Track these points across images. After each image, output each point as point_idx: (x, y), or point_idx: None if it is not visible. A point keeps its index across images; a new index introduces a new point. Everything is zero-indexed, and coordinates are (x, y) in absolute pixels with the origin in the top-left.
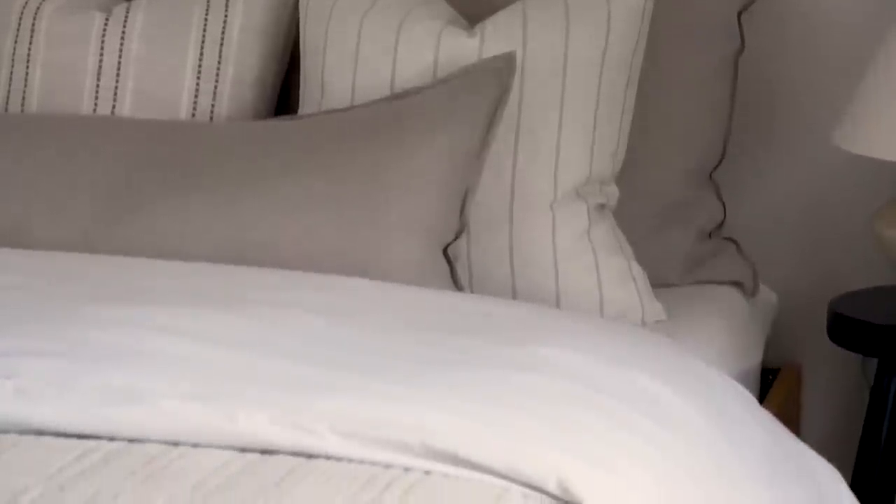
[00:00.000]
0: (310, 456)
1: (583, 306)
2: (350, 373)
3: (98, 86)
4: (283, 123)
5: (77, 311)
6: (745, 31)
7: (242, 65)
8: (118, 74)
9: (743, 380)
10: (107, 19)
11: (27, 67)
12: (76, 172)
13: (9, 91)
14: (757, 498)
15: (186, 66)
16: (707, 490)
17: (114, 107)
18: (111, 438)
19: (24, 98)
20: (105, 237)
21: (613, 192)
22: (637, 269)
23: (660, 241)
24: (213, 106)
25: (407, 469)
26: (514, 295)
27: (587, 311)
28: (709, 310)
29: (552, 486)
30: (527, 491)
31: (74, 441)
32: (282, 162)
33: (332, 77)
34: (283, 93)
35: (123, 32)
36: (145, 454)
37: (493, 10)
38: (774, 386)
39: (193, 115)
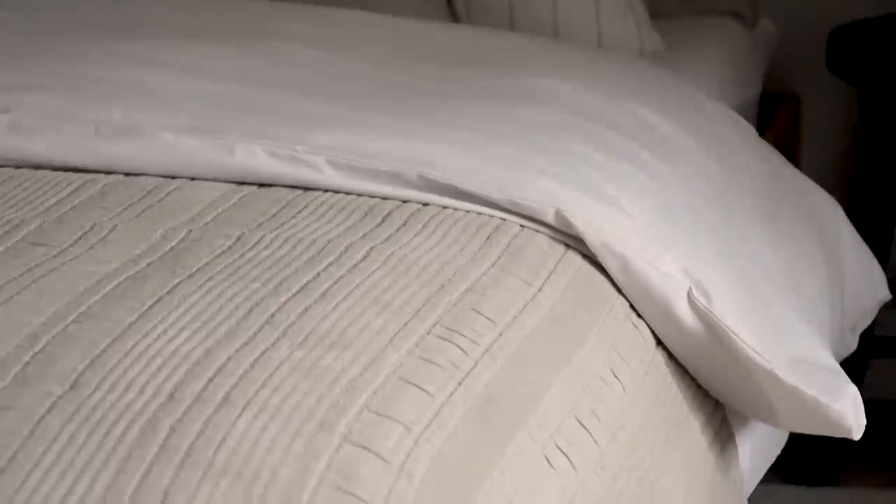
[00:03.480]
0: (307, 188)
1: (581, 37)
2: (347, 106)
3: None
4: None
5: (73, 45)
6: None
7: None
8: None
9: (742, 111)
10: None
11: None
12: None
13: None
14: (756, 231)
15: None
16: (705, 222)
17: None
18: (108, 172)
19: None
20: None
21: None
22: (635, 0)
23: None
24: None
25: (405, 201)
26: (512, 27)
27: (585, 43)
28: (708, 41)
29: (550, 217)
30: (525, 222)
31: (71, 175)
32: None
33: None
34: None
35: None
36: (142, 187)
37: None
38: (774, 117)
39: None
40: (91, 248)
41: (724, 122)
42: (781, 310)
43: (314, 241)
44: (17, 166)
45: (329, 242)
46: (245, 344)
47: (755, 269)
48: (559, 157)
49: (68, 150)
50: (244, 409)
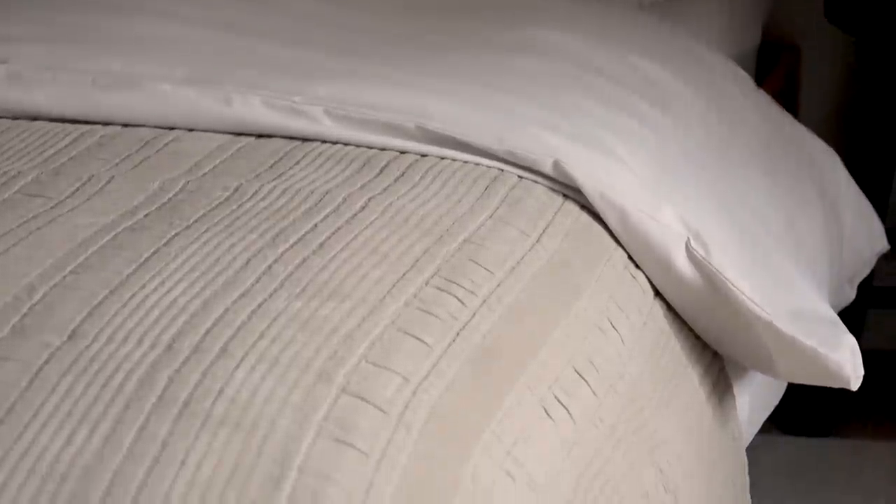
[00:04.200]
0: (304, 139)
1: None
2: (346, 57)
3: None
4: None
5: None
6: None
7: None
8: None
9: (741, 62)
10: None
11: None
12: None
13: None
14: (755, 182)
15: None
16: (704, 174)
17: None
18: (105, 123)
19: None
20: None
21: None
22: None
23: None
24: None
25: (403, 152)
26: None
27: None
28: None
29: (548, 168)
30: (523, 172)
31: (69, 126)
32: None
33: None
34: None
35: None
36: (140, 138)
37: None
38: (773, 68)
39: None
40: (88, 199)
41: (723, 73)
42: (780, 261)
43: (312, 191)
44: (15, 117)
45: (327, 193)
46: (243, 295)
47: (754, 221)
48: (558, 108)
49: (66, 101)
50: (242, 359)
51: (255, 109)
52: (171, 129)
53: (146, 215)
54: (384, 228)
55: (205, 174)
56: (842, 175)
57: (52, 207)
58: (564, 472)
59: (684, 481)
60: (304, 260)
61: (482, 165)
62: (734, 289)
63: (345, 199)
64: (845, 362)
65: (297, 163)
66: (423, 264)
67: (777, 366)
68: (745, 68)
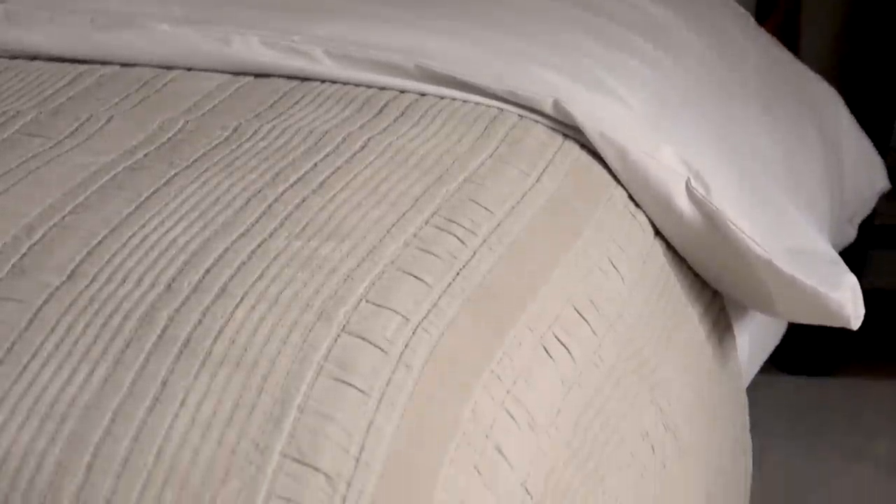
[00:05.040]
0: (304, 79)
1: None
2: None
3: None
4: None
5: None
6: None
7: None
8: None
9: (741, 0)
10: None
11: None
12: None
13: None
14: (755, 121)
15: None
16: (705, 113)
17: None
18: (104, 63)
19: None
20: None
21: None
22: None
23: None
24: None
25: (402, 91)
26: None
27: None
28: None
29: (548, 107)
30: (523, 112)
31: (67, 65)
32: None
33: None
34: None
35: None
36: (139, 78)
37: None
38: (774, 7)
39: None
40: (88, 138)
41: (723, 11)
42: (780, 200)
43: (312, 131)
44: (13, 57)
45: (326, 133)
46: (243, 234)
47: (754, 160)
48: (558, 47)
49: (64, 40)
50: (242, 299)
51: (254, 49)
52: (170, 68)
53: (145, 155)
54: (384, 168)
55: (204, 114)
56: (843, 114)
57: (51, 147)
58: (564, 410)
59: (684, 420)
60: (304, 200)
61: (482, 105)
62: (734, 228)
63: (344, 139)
64: (846, 301)
65: (297, 102)
66: (423, 204)
67: (777, 305)
68: (745, 6)
